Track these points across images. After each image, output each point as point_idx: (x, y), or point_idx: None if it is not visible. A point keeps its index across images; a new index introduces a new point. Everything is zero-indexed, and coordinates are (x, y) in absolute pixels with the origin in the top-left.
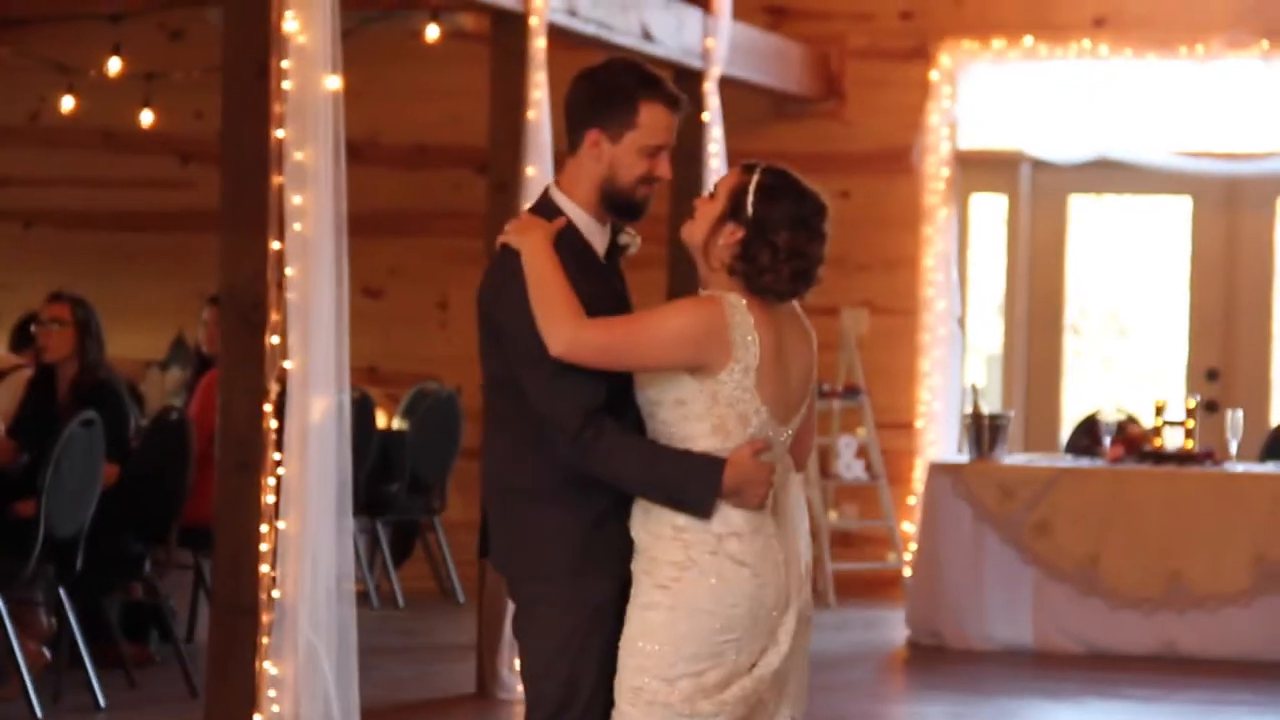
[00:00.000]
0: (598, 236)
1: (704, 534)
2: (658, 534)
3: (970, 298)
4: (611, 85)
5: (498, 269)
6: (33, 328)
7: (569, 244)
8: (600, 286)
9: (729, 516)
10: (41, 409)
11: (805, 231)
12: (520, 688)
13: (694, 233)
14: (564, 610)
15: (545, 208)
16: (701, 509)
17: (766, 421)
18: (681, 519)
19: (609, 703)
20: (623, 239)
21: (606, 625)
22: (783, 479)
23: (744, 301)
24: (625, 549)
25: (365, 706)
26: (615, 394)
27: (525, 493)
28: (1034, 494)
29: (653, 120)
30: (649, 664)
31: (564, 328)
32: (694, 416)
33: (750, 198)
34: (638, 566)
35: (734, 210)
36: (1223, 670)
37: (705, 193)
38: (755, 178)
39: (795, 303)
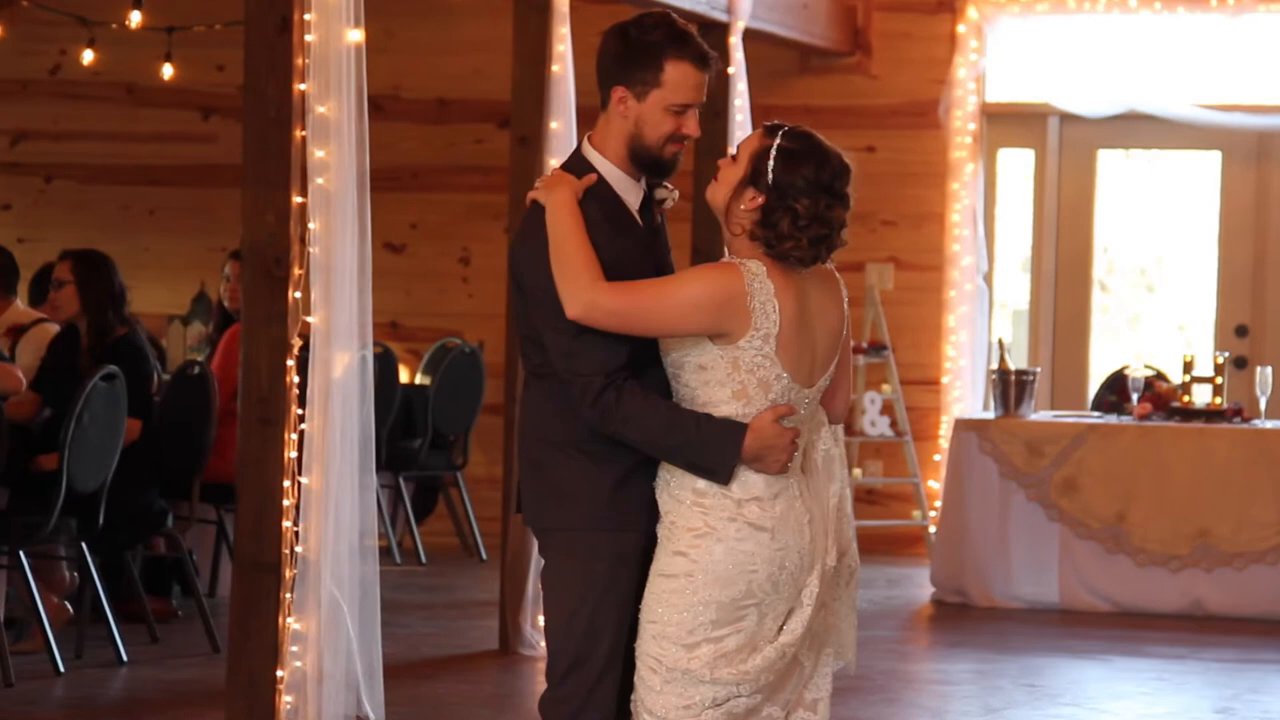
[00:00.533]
0: (631, 192)
1: (723, 499)
2: (679, 499)
3: (997, 253)
4: (639, 42)
5: (525, 226)
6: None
7: (600, 200)
8: (631, 242)
9: (749, 481)
10: (64, 363)
11: (826, 197)
12: (543, 644)
13: (716, 195)
14: (586, 559)
15: (577, 163)
16: (721, 474)
17: (789, 386)
18: (701, 484)
19: (631, 659)
20: (659, 193)
21: (629, 578)
22: (810, 437)
23: (764, 269)
24: (654, 504)
25: (388, 662)
26: (640, 353)
27: (555, 445)
28: (1061, 451)
29: (679, 78)
30: (668, 631)
31: (581, 291)
32: (715, 382)
33: (771, 163)
34: (660, 531)
35: (754, 176)
36: (1250, 628)
37: (729, 151)
38: (777, 141)
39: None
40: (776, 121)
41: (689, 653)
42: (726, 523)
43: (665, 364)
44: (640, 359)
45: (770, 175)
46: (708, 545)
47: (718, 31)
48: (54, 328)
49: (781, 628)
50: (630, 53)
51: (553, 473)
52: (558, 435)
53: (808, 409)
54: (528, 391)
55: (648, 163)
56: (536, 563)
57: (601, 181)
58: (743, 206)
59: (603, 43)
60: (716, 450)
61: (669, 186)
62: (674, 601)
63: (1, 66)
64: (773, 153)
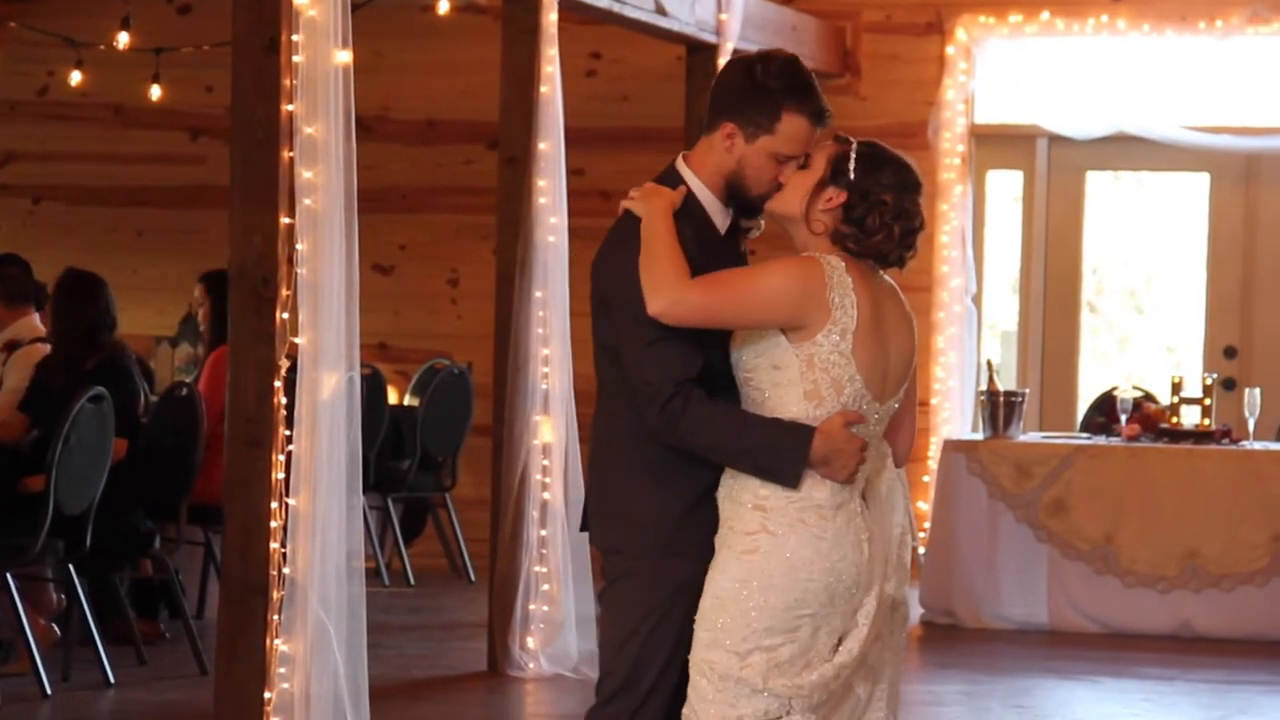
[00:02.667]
0: (719, 214)
1: (784, 505)
2: (739, 502)
3: (986, 274)
4: (762, 85)
5: (612, 235)
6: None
7: (689, 214)
8: (715, 260)
9: (812, 489)
10: (52, 385)
11: (908, 194)
12: (531, 665)
13: (789, 202)
14: (646, 587)
15: (670, 178)
16: (789, 478)
17: (861, 392)
18: (765, 489)
19: (682, 683)
20: (745, 221)
21: (686, 605)
22: (877, 463)
23: (843, 264)
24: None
25: (376, 684)
26: (713, 368)
27: (627, 467)
28: (1049, 472)
29: (792, 131)
30: (721, 637)
31: (667, 287)
32: (787, 382)
33: (852, 163)
34: (718, 538)
35: (835, 175)
36: (1239, 650)
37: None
38: (855, 146)
39: (894, 284)
40: (842, 135)
41: (741, 660)
42: (786, 529)
43: (737, 367)
44: (712, 374)
45: (852, 174)
46: (765, 550)
47: (705, 53)
48: (45, 348)
49: (837, 647)
50: (751, 92)
51: (622, 494)
52: (630, 457)
53: (877, 425)
54: (600, 411)
55: (740, 200)
56: (527, 585)
57: (693, 198)
58: (821, 207)
59: (724, 72)
60: (785, 452)
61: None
62: (729, 607)
63: None
64: (853, 154)
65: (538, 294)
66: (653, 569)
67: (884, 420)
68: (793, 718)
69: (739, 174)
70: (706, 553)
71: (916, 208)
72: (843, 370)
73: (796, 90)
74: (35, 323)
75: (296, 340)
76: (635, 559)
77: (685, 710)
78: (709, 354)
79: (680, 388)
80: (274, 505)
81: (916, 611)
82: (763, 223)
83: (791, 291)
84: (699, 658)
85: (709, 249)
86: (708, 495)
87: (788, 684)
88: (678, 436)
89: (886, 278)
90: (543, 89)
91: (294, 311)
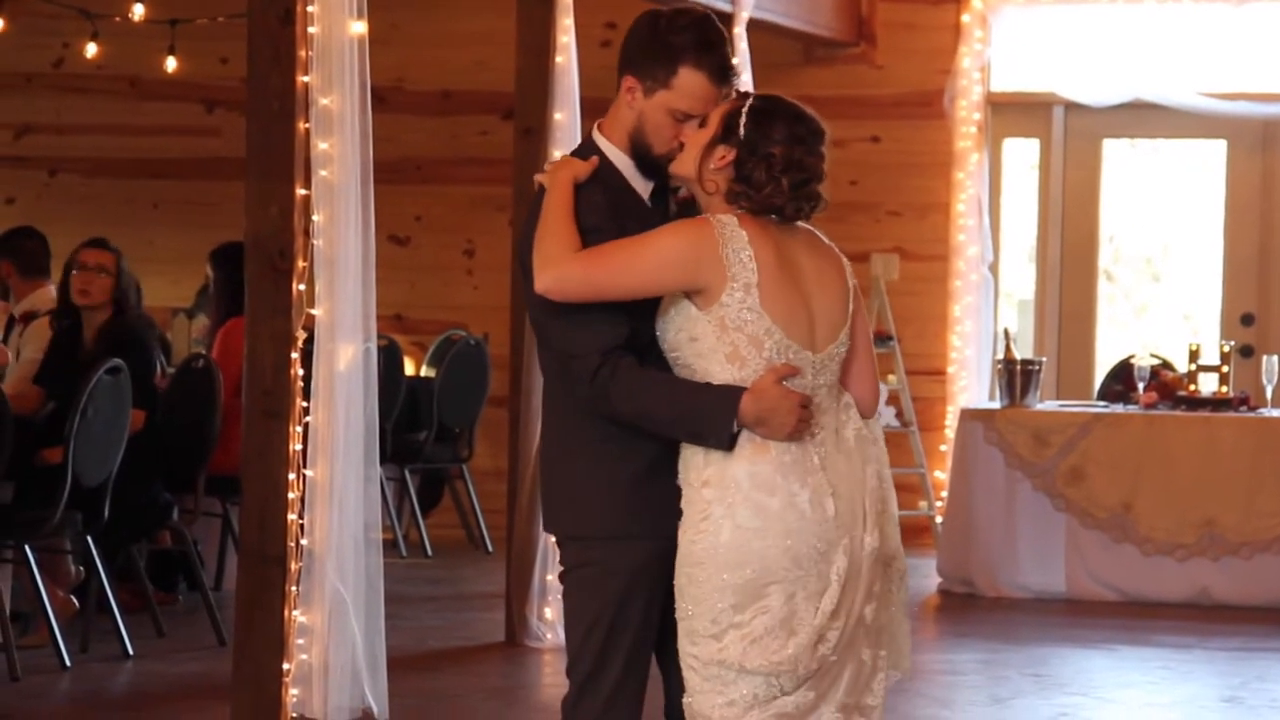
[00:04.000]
0: (639, 179)
1: (727, 478)
2: (689, 484)
3: (1002, 243)
4: (664, 38)
5: (530, 212)
6: (74, 271)
7: (606, 183)
8: (638, 225)
9: (754, 456)
10: (68, 356)
11: (801, 146)
12: (549, 636)
13: (685, 163)
14: (602, 575)
15: (586, 149)
16: (721, 441)
17: (784, 343)
18: (709, 468)
19: (649, 669)
20: (674, 180)
21: (648, 588)
22: (840, 414)
23: (735, 220)
24: (672, 506)
25: (393, 655)
26: (639, 341)
27: (569, 447)
28: (1067, 440)
29: (690, 86)
30: (694, 625)
31: (549, 263)
32: (708, 350)
33: (742, 119)
34: (680, 525)
35: (725, 134)
36: (1256, 617)
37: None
38: (748, 102)
39: (818, 233)
40: (747, 90)
41: (718, 643)
42: (732, 502)
43: (662, 345)
44: (642, 344)
45: (742, 130)
46: (714, 527)
47: (722, 22)
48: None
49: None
50: (651, 46)
51: (567, 477)
52: (571, 437)
53: (819, 375)
54: (545, 393)
55: (642, 158)
56: (544, 556)
57: (608, 166)
58: (713, 165)
59: (632, 25)
60: (714, 415)
61: None
62: (693, 591)
63: (5, 60)
64: (745, 110)
65: None
66: (606, 555)
67: (827, 369)
68: (787, 700)
69: (640, 130)
70: (661, 531)
71: (812, 159)
72: (757, 325)
73: (697, 46)
74: (50, 294)
75: (313, 312)
76: (588, 546)
77: (684, 701)
78: (637, 323)
79: (608, 357)
80: (291, 476)
81: (934, 580)
82: (682, 187)
83: (679, 255)
84: (682, 650)
85: (628, 215)
86: (654, 471)
87: (766, 661)
88: (610, 407)
89: (805, 225)
90: (558, 59)
91: (310, 283)
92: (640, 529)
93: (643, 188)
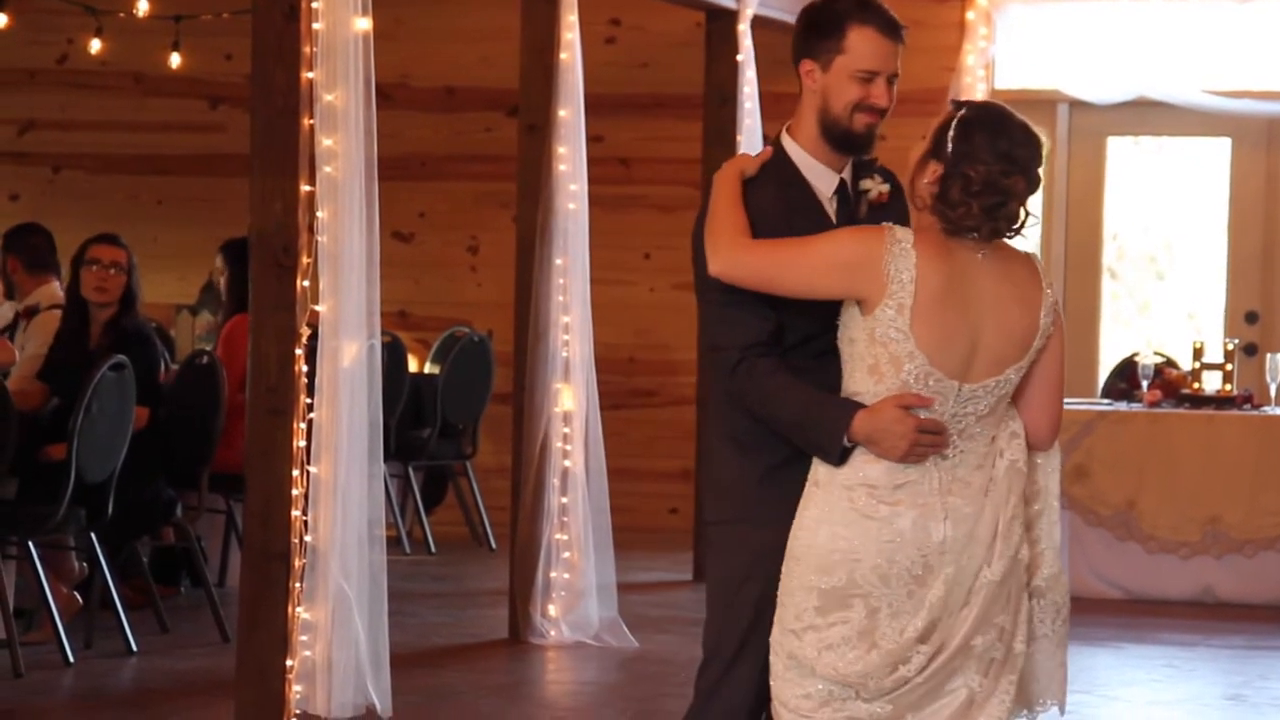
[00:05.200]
0: (823, 179)
1: (833, 481)
2: (808, 480)
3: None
4: (824, 12)
5: (702, 207)
6: (88, 268)
7: (783, 184)
8: (811, 227)
9: (864, 466)
10: (72, 352)
11: (1003, 164)
12: (553, 633)
13: (904, 176)
14: (726, 556)
15: (776, 151)
16: (830, 454)
17: (926, 370)
18: (821, 466)
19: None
20: (865, 183)
21: (766, 574)
22: (994, 443)
23: (912, 236)
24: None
25: (397, 652)
26: (791, 337)
27: (718, 435)
28: (1071, 438)
29: (861, 44)
30: (783, 614)
31: (723, 248)
32: (857, 356)
33: (951, 133)
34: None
35: (936, 148)
36: (1260, 615)
37: (737, 138)
38: (960, 113)
39: (1033, 259)
40: (961, 100)
41: (798, 639)
42: (833, 506)
43: (838, 338)
44: (794, 340)
45: (950, 145)
46: (813, 529)
47: (726, 19)
48: (59, 314)
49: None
50: (815, 24)
51: (713, 464)
52: (720, 426)
53: (968, 405)
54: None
55: (838, 136)
56: (548, 552)
57: (785, 163)
58: (925, 180)
59: (795, 23)
60: (826, 428)
61: (878, 179)
62: (786, 584)
63: (9, 56)
64: (954, 123)
65: (558, 261)
66: (731, 537)
67: (980, 399)
68: (859, 705)
69: (826, 107)
70: (785, 520)
71: (1011, 180)
72: (900, 346)
73: (859, 5)
74: (56, 290)
75: (317, 308)
76: (719, 527)
77: (770, 682)
78: (790, 319)
79: (747, 353)
80: (295, 473)
81: None
82: (885, 186)
83: (843, 260)
84: (773, 634)
85: (802, 213)
86: (788, 465)
87: (834, 670)
88: (745, 404)
89: (1014, 249)
90: (562, 56)
91: (314, 279)
92: (765, 516)
93: (824, 188)
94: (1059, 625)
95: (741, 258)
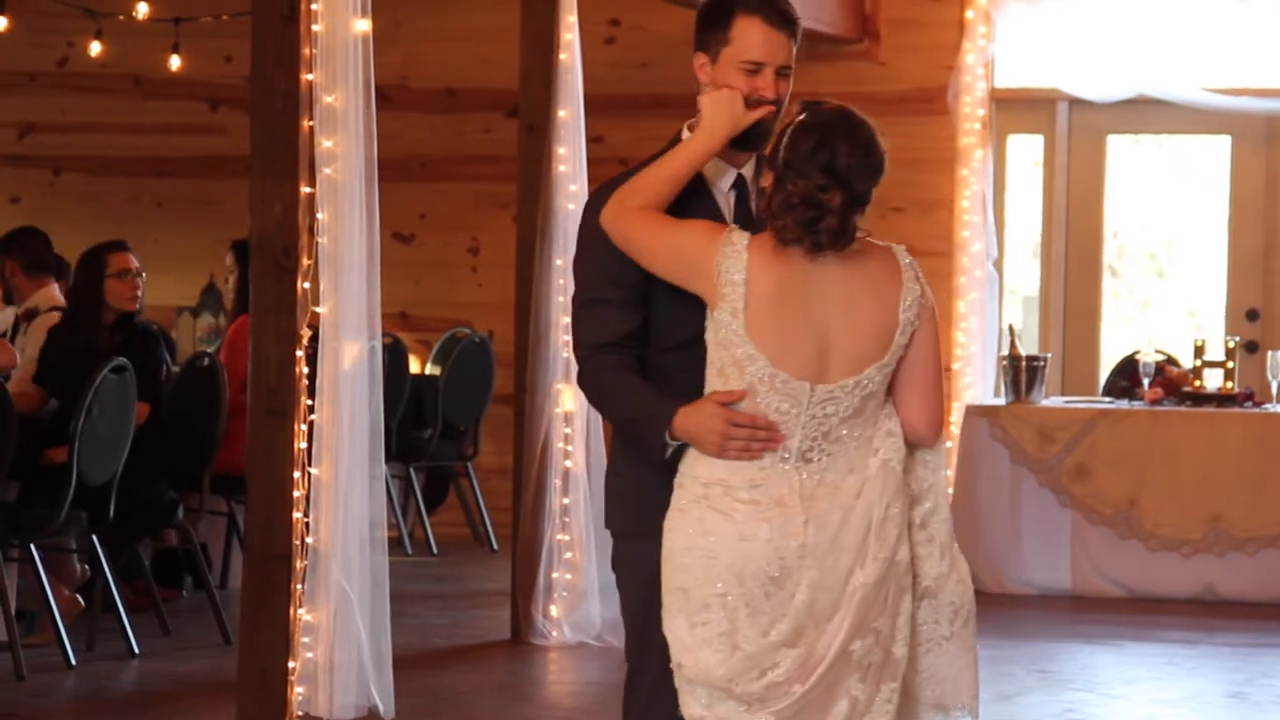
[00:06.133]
0: (720, 174)
1: (689, 481)
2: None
3: (1007, 239)
4: (714, 4)
5: (593, 200)
6: (122, 279)
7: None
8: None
9: (715, 465)
10: (75, 355)
11: (824, 177)
12: (555, 634)
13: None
14: (631, 572)
15: (670, 146)
16: (655, 451)
17: (770, 371)
18: (681, 469)
19: None
20: (763, 180)
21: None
22: (867, 442)
23: (747, 240)
24: None
25: (399, 653)
26: (656, 340)
27: (613, 448)
28: (1072, 437)
29: (747, 34)
30: (663, 619)
31: (621, 201)
32: (709, 358)
33: (784, 140)
34: None
35: (771, 155)
36: (1262, 613)
37: None
38: (799, 118)
39: (888, 251)
40: (817, 99)
41: (672, 637)
42: (688, 505)
43: None
44: (678, 340)
45: (780, 153)
46: (673, 528)
47: None
48: (55, 317)
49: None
50: (705, 16)
51: (609, 474)
52: (616, 433)
53: (828, 406)
54: None
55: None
56: (550, 553)
57: None
58: (763, 184)
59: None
60: (654, 425)
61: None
62: (663, 586)
63: (9, 59)
64: (788, 130)
65: (558, 262)
66: (633, 553)
67: (841, 400)
68: (744, 715)
69: None
70: None
71: (828, 195)
72: (740, 349)
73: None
74: (54, 293)
75: (318, 310)
76: (618, 544)
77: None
78: (667, 320)
79: (594, 352)
80: (296, 475)
81: None
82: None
83: (684, 253)
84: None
85: (694, 210)
86: (662, 475)
87: (699, 671)
88: (591, 402)
89: (873, 245)
90: (562, 56)
91: (315, 281)
92: (655, 529)
93: (724, 179)
94: (959, 627)
95: (623, 216)
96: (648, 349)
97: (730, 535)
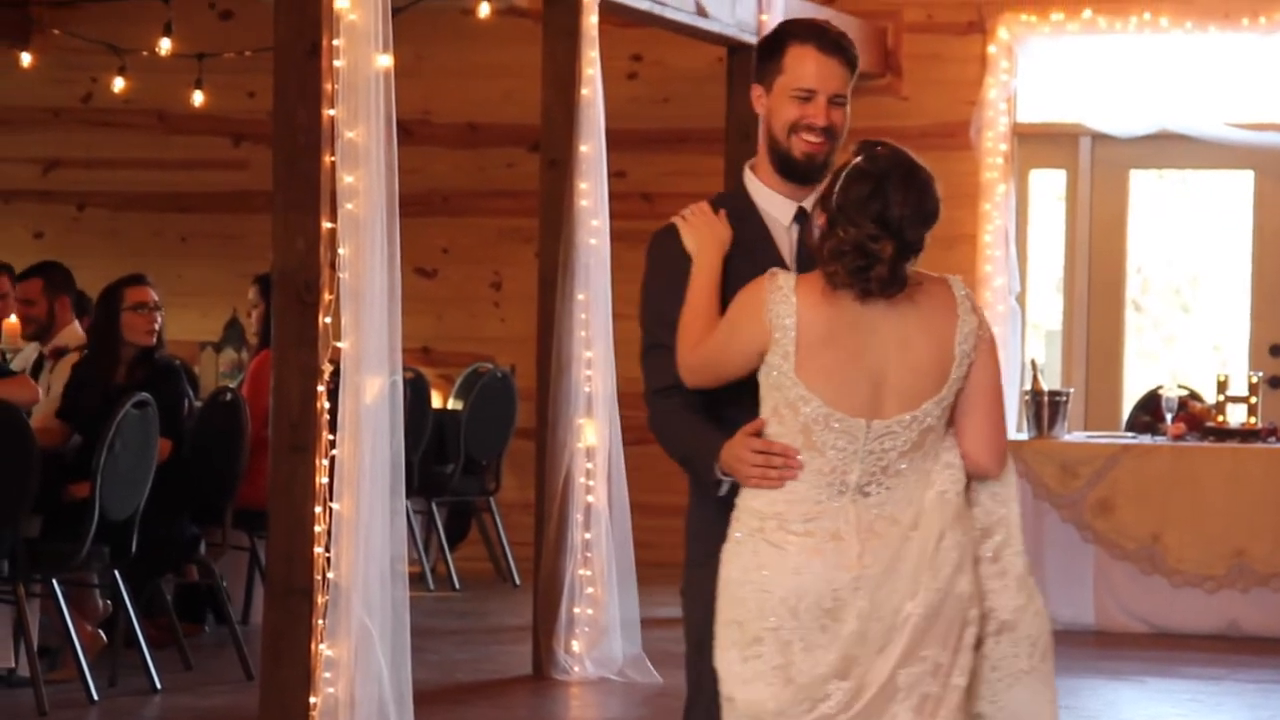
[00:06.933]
0: (780, 207)
1: (748, 515)
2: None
3: (1029, 274)
4: (770, 36)
5: (650, 246)
6: (139, 312)
7: (736, 213)
8: (768, 257)
9: (773, 498)
10: (97, 391)
11: (875, 227)
12: (576, 669)
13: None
14: (692, 600)
15: (736, 187)
16: (711, 487)
17: (825, 412)
18: (739, 503)
19: None
20: (819, 213)
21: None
22: (925, 475)
23: (793, 282)
24: None
25: (420, 688)
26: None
27: (689, 484)
28: (1095, 472)
29: (799, 62)
30: (715, 653)
31: (681, 352)
32: (763, 400)
33: (838, 184)
34: None
35: (824, 197)
36: None
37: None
38: (854, 161)
39: (943, 284)
40: (874, 140)
41: (724, 670)
42: (745, 538)
43: None
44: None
45: (834, 197)
46: (727, 559)
47: (746, 54)
48: (76, 356)
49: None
50: (762, 48)
51: (689, 508)
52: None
53: (886, 441)
54: None
55: (780, 160)
56: (571, 588)
57: (743, 199)
58: (816, 221)
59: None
60: (705, 462)
61: None
62: (716, 621)
63: (33, 95)
64: (843, 174)
65: (580, 296)
66: (695, 583)
67: (900, 437)
68: None
69: (771, 133)
70: None
71: (879, 244)
72: (791, 391)
73: (800, 25)
74: (77, 329)
75: (339, 345)
76: (689, 570)
77: None
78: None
79: (656, 396)
80: (318, 510)
81: None
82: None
83: (738, 323)
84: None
85: (758, 247)
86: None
87: (754, 705)
88: (661, 445)
89: (928, 274)
90: (584, 91)
91: (337, 316)
92: (714, 560)
93: (784, 213)
94: (1038, 660)
95: (689, 359)
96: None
97: (784, 569)
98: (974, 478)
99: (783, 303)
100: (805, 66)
